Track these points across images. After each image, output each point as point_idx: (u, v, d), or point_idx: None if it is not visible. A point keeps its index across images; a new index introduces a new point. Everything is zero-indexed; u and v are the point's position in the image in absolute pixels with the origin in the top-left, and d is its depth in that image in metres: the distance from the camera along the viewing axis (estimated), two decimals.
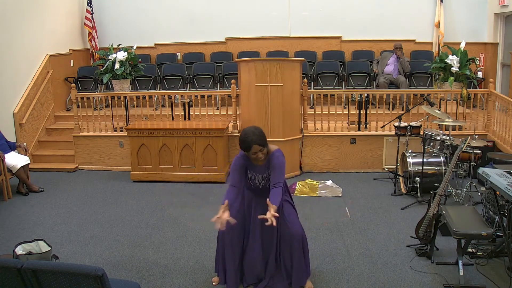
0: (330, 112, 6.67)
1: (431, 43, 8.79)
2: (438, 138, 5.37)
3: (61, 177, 6.69)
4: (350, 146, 6.56)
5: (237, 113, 6.65)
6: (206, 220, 4.90)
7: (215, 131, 6.13)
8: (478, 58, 8.05)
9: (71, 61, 8.81)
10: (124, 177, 6.55)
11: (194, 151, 6.20)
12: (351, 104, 7.03)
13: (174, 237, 4.57)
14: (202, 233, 4.63)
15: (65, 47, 8.64)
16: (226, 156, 6.35)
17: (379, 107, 6.72)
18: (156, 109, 7.56)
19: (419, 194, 5.37)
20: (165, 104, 7.60)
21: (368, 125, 6.69)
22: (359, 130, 6.66)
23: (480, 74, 8.14)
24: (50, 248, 3.90)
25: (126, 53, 6.90)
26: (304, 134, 6.54)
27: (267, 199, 3.09)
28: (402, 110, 6.74)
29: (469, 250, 3.92)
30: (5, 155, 5.83)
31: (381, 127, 6.28)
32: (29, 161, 6.12)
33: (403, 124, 5.83)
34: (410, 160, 5.48)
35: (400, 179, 5.74)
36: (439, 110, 5.75)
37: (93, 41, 9.10)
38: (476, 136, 5.34)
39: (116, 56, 6.84)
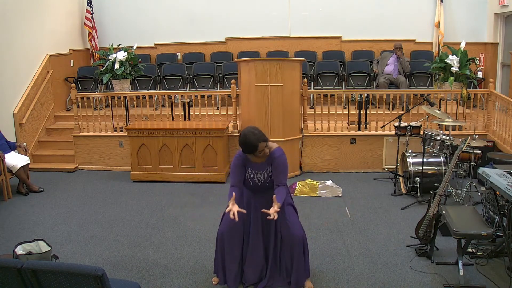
0: (330, 112, 6.67)
1: (431, 43, 8.79)
2: (438, 138, 5.37)
3: (61, 177, 6.69)
4: (350, 146, 6.56)
5: (237, 113, 6.65)
6: (206, 220, 4.93)
7: (215, 131, 6.13)
8: (478, 58, 8.05)
9: (71, 61, 8.81)
10: (124, 177, 6.55)
11: (194, 151, 6.20)
12: (351, 104, 7.03)
13: (174, 237, 4.57)
14: (202, 233, 4.63)
15: (65, 47, 8.64)
16: (226, 156, 6.35)
17: (379, 107, 6.72)
18: (156, 109, 7.56)
19: (419, 194, 5.37)
20: (165, 104, 7.60)
21: (368, 125, 6.69)
22: (359, 130, 6.66)
23: (480, 74, 8.14)
24: (50, 248, 3.90)
25: (126, 53, 6.90)
26: (304, 134, 6.54)
27: (273, 196, 3.15)
28: (402, 110, 6.74)
29: (469, 250, 3.92)
30: (5, 155, 5.83)
31: (381, 127, 6.28)
32: (29, 161, 6.12)
33: (403, 124, 5.83)
34: (410, 160, 5.48)
35: (400, 179, 5.74)
36: (439, 110, 5.75)
37: (93, 41, 9.10)
38: (476, 136, 5.34)
39: (116, 56, 6.84)
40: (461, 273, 3.45)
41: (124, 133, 6.68)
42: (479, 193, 5.18)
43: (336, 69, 8.28)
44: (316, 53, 8.98)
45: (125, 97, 7.01)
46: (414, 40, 8.81)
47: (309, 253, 3.55)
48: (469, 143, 4.62)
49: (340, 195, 5.65)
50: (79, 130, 7.00)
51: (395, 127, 5.85)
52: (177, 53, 9.31)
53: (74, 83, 8.12)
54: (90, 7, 8.99)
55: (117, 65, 6.82)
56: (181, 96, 7.08)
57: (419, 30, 8.79)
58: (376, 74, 8.04)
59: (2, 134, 6.10)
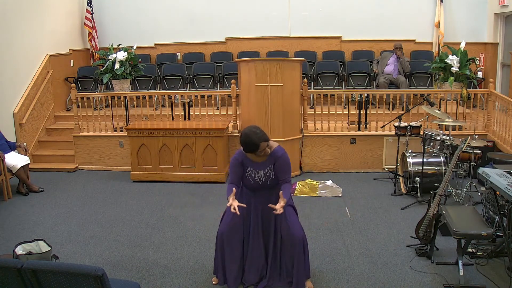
0: (330, 112, 6.67)
1: (431, 43, 8.79)
2: (438, 138, 5.37)
3: (61, 177, 6.69)
4: (350, 146, 6.56)
5: (237, 113, 6.65)
6: (206, 220, 4.93)
7: (215, 131, 6.13)
8: (478, 58, 8.05)
9: (71, 61, 8.81)
10: (124, 177, 6.55)
11: (194, 151, 6.20)
12: (351, 104, 7.03)
13: (174, 237, 4.57)
14: (202, 233, 4.63)
15: (65, 47, 8.64)
16: (226, 156, 6.35)
17: (379, 107, 6.72)
18: (156, 109, 7.56)
19: (419, 194, 5.37)
20: (165, 104, 7.60)
21: (368, 125, 6.69)
22: (359, 130, 6.66)
23: (480, 74, 8.14)
24: (50, 248, 3.90)
25: (126, 53, 6.90)
26: (304, 134, 6.54)
27: (280, 192, 3.20)
28: (402, 110, 6.73)
29: (469, 250, 3.92)
30: (5, 155, 5.83)
31: (381, 127, 6.28)
32: (29, 161, 6.12)
33: (403, 124, 5.83)
34: (410, 160, 5.48)
35: (400, 179, 5.74)
36: (439, 110, 5.75)
37: (93, 41, 9.10)
38: (476, 136, 5.34)
39: (116, 56, 6.84)
40: (461, 273, 3.45)
41: (124, 133, 6.69)
42: (479, 193, 5.18)
43: (336, 69, 8.28)
44: (316, 53, 8.98)
45: (125, 97, 7.01)
46: (414, 40, 8.81)
47: (309, 253, 3.54)
48: (469, 143, 4.62)
49: (340, 195, 5.65)
50: (79, 130, 7.00)
51: (395, 127, 5.86)
52: (177, 53, 9.31)
53: (74, 83, 8.12)
54: (90, 7, 9.00)
55: (117, 65, 6.82)
56: (181, 96, 7.08)
57: (419, 30, 8.79)
58: (376, 74, 8.04)
59: (2, 134, 6.10)
